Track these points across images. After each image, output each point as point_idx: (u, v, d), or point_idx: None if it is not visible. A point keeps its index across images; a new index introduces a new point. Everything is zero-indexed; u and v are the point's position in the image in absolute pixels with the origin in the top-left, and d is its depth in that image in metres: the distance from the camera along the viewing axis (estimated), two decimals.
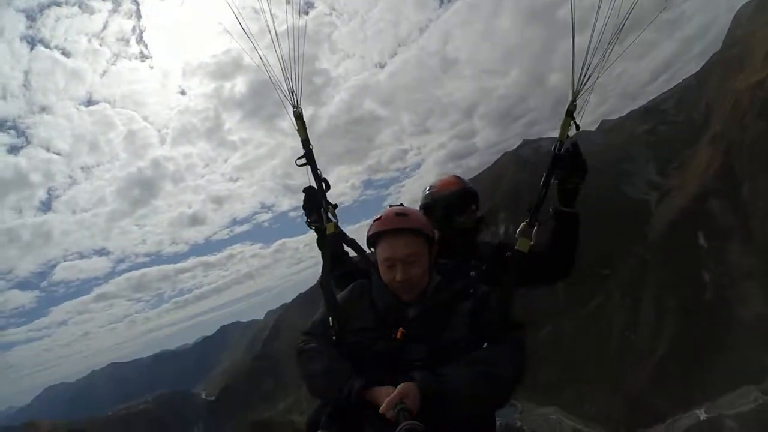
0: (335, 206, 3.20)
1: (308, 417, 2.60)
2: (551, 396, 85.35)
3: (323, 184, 3.14)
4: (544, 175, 2.70)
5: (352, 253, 3.31)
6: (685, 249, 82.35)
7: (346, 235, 3.24)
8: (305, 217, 3.30)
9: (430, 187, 3.55)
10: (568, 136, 2.67)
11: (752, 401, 63.67)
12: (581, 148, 2.78)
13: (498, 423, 2.78)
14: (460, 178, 3.50)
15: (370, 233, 2.64)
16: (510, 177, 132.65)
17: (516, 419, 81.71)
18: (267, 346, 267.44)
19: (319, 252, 3.23)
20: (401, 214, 2.57)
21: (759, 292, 71.77)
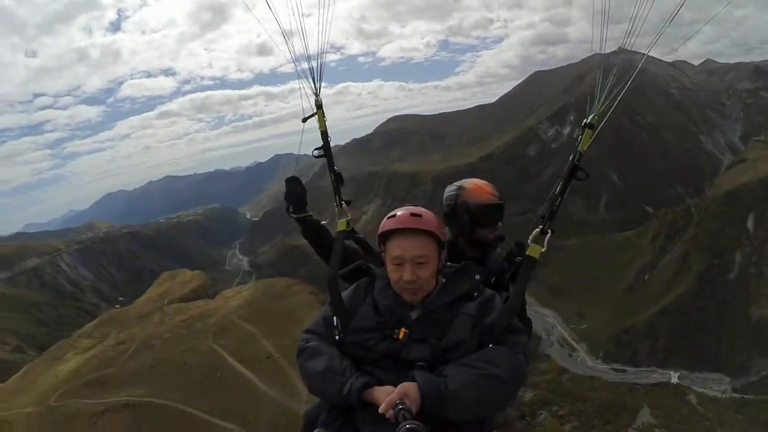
0: (349, 203, 3.24)
1: (306, 411, 2.60)
2: (554, 301, 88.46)
3: (337, 179, 3.19)
4: (560, 183, 2.72)
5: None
6: (732, 223, 79.54)
7: (357, 233, 3.27)
8: (287, 208, 3.32)
9: (458, 187, 3.34)
10: (585, 149, 2.71)
11: (720, 390, 64.80)
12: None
13: None
14: (493, 187, 3.32)
15: (382, 230, 2.61)
16: (592, 80, 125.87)
17: None
18: (312, 182, 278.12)
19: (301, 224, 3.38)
20: (416, 214, 2.56)
21: None
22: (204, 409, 41.70)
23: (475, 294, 2.58)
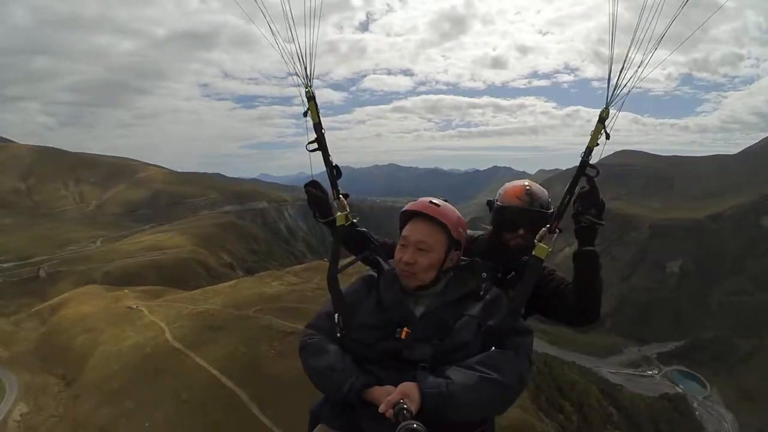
0: (346, 196, 3.06)
1: (312, 408, 2.57)
2: (740, 406, 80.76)
3: (335, 171, 3.03)
4: (570, 181, 2.61)
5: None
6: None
7: (357, 225, 3.11)
8: (314, 214, 3.16)
9: (505, 187, 3.19)
10: (597, 144, 2.55)
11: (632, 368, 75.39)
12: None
13: None
14: (530, 191, 3.04)
15: (402, 211, 2.70)
16: None
17: None
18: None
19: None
20: (435, 203, 2.59)
21: None
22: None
23: (482, 293, 2.53)
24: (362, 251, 3.02)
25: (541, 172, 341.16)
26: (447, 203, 2.67)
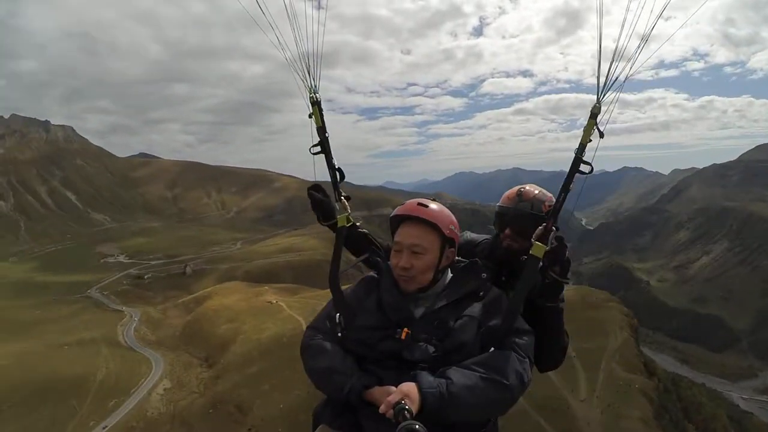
0: (348, 198, 3.10)
1: (314, 409, 2.59)
2: None
3: (337, 174, 3.04)
4: (565, 178, 2.61)
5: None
6: None
7: (358, 227, 3.15)
8: (318, 218, 3.13)
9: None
10: (590, 140, 2.52)
11: None
12: None
13: None
14: (522, 192, 3.04)
15: (391, 217, 2.69)
16: None
17: None
18: (661, 203, 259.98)
19: None
20: (423, 204, 2.60)
21: None
22: None
23: (481, 293, 2.54)
24: (363, 253, 3.04)
25: (676, 171, 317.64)
26: (436, 202, 2.71)
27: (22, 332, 66.62)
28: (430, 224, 2.53)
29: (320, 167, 3.03)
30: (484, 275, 2.61)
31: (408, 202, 2.67)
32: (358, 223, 3.20)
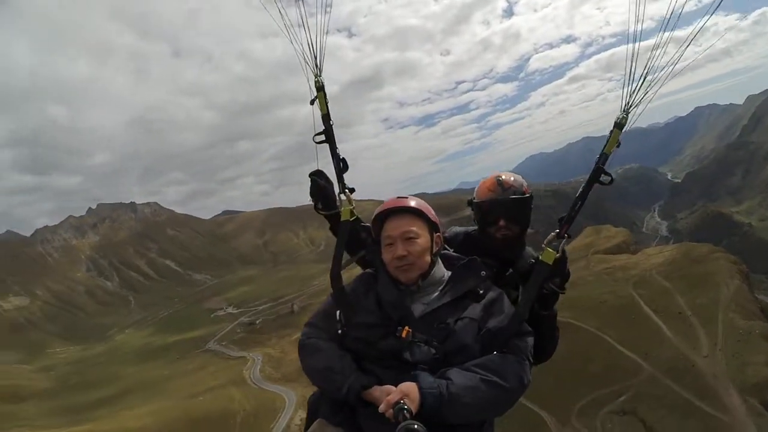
0: (352, 190, 2.98)
1: (310, 398, 2.60)
2: None
3: (341, 164, 2.97)
4: (582, 187, 2.60)
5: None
6: None
7: (361, 221, 3.04)
8: (315, 205, 3.02)
9: (478, 183, 3.12)
10: (615, 148, 2.52)
11: None
12: None
13: None
14: (501, 181, 2.97)
15: (373, 218, 2.68)
16: None
17: None
18: (744, 136, 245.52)
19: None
20: (402, 197, 2.63)
21: None
22: (614, 338, 51.86)
23: (481, 292, 2.51)
24: (362, 248, 3.01)
25: (751, 98, 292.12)
26: (411, 196, 2.71)
27: (156, 392, 73.13)
28: (415, 212, 2.60)
29: (326, 167, 3.04)
30: (483, 273, 2.61)
31: (385, 202, 2.70)
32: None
